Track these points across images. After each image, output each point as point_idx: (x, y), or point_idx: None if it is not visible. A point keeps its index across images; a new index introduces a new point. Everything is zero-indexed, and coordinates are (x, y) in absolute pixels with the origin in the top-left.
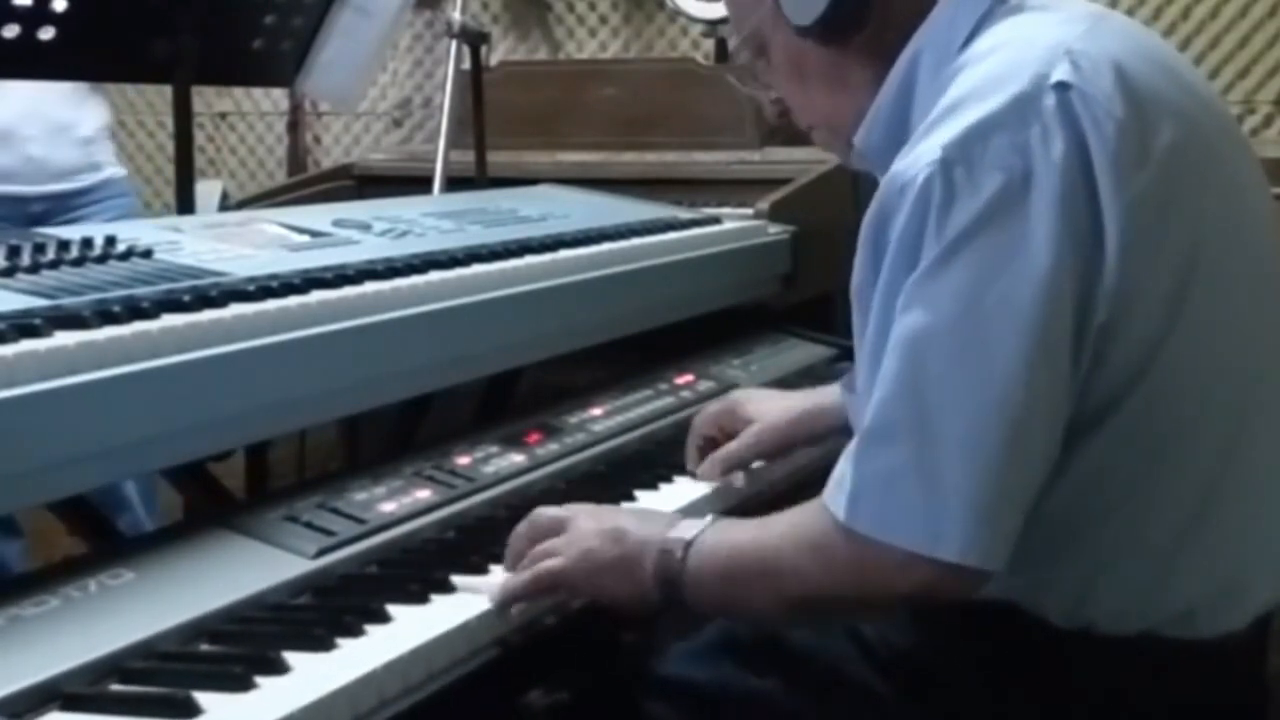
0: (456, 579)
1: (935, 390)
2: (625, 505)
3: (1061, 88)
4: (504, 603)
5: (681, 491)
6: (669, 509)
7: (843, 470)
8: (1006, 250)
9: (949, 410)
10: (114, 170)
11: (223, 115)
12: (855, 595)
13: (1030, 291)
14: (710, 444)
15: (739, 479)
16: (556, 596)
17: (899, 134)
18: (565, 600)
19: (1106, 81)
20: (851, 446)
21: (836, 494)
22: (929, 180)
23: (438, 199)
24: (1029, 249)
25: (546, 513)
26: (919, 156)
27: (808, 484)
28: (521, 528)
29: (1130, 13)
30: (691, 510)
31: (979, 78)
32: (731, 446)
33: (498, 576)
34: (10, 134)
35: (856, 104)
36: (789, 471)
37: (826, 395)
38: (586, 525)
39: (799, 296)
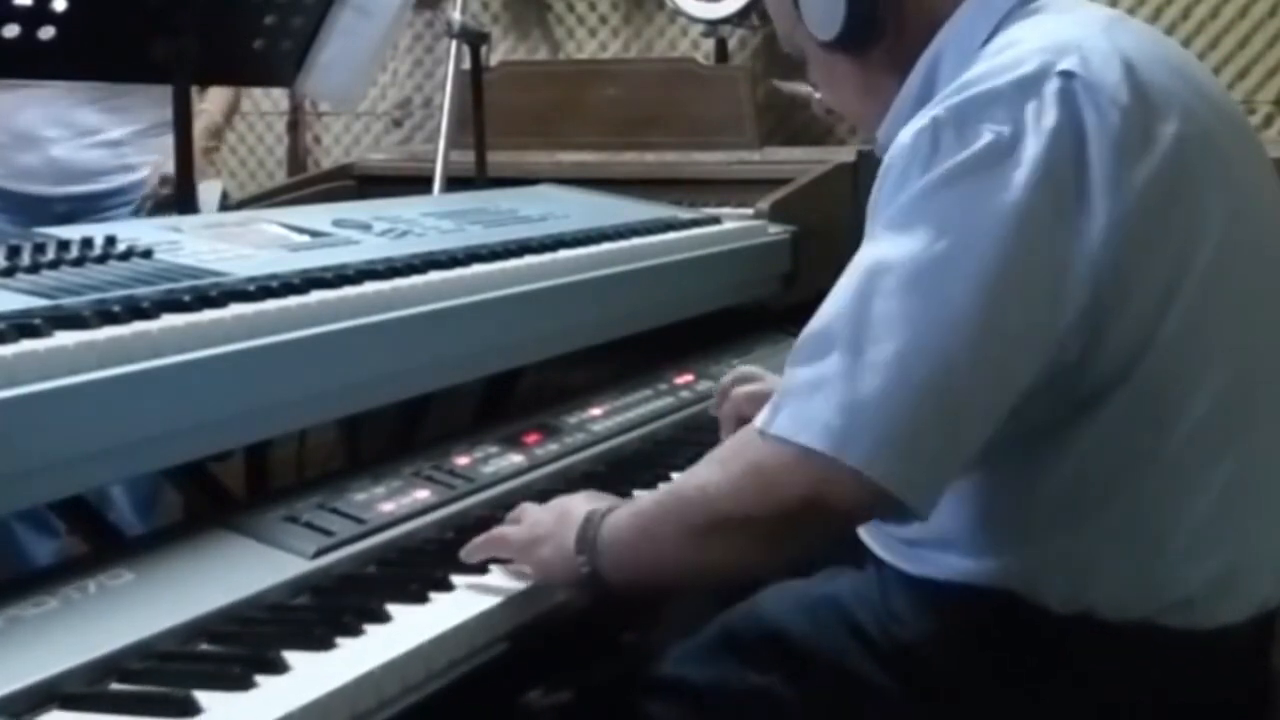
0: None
1: (880, 314)
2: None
3: (1066, 75)
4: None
5: None
6: None
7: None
8: (981, 200)
9: (888, 335)
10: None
11: None
12: (753, 499)
13: (996, 241)
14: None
15: None
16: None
17: None
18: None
19: (1114, 73)
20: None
21: (766, 408)
22: (920, 133)
23: (438, 199)
24: (1003, 203)
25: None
26: (919, 121)
27: None
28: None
29: (1130, 13)
30: None
31: (990, 66)
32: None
33: (497, 577)
34: (32, 136)
35: (882, 107)
36: None
37: None
38: (549, 507)
39: (799, 296)
